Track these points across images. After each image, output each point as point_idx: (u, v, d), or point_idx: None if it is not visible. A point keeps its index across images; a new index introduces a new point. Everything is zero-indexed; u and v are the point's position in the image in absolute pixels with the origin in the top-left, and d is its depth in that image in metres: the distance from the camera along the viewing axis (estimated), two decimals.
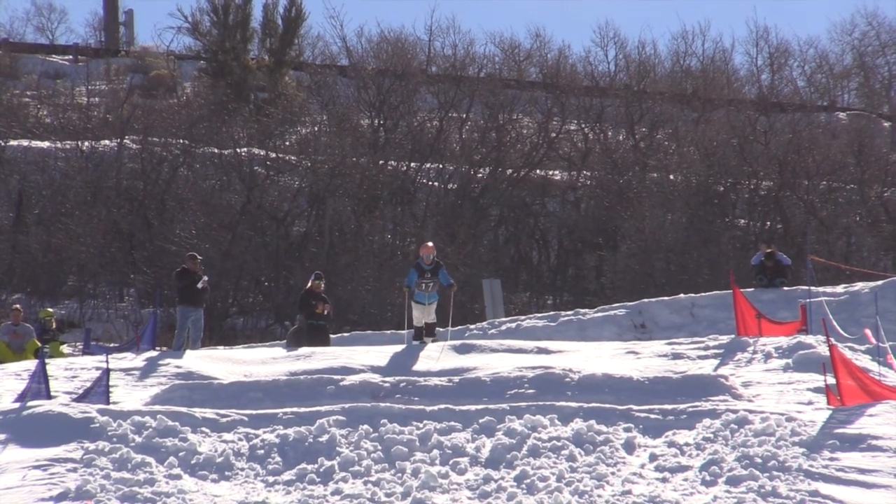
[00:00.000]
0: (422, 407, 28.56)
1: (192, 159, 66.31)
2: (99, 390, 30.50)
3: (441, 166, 68.42)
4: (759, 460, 26.33)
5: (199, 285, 37.62)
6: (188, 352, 36.09)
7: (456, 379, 31.18)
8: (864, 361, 32.19)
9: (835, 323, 33.81)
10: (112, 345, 41.46)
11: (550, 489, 25.76)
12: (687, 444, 27.13)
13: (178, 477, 26.29)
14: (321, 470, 26.58)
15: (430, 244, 36.44)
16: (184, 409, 28.47)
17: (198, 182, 65.76)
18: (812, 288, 43.25)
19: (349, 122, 69.60)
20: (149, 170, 65.70)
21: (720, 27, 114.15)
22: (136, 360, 34.74)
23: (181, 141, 66.45)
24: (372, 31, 76.79)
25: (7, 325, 39.51)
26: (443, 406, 28.56)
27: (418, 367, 33.43)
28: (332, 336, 39.91)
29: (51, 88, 74.47)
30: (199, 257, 38.82)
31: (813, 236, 60.44)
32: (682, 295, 46.61)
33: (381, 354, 34.88)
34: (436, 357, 34.64)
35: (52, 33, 79.83)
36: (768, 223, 65.62)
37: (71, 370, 33.94)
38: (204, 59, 75.97)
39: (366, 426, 27.65)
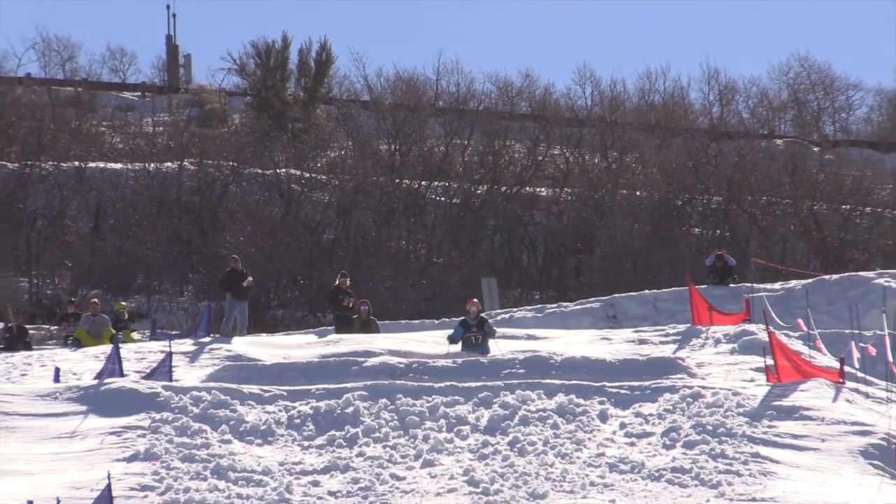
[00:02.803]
0: (431, 384, 28.62)
1: (239, 178, 66.27)
2: (163, 370, 30.56)
3: (447, 184, 68.37)
4: (710, 428, 26.38)
5: (245, 284, 37.67)
6: (236, 338, 36.09)
7: (459, 361, 31.25)
8: (797, 346, 32.24)
9: (773, 314, 33.85)
10: (174, 332, 41.47)
11: (538, 452, 25.82)
12: (651, 415, 27.18)
13: (228, 442, 26.36)
14: (347, 436, 26.63)
15: (475, 300, 34.65)
16: (233, 386, 28.54)
17: (244, 197, 65.75)
18: (754, 285, 43.26)
19: (370, 147, 69.52)
20: (204, 187, 65.69)
21: (678, 68, 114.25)
22: (193, 345, 34.81)
23: (231, 163, 66.42)
24: (389, 72, 76.36)
25: (87, 315, 39.50)
26: (448, 383, 28.61)
27: (428, 351, 33.47)
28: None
29: (122, 119, 74.39)
30: (237, 258, 38.97)
31: (755, 242, 60.36)
32: (646, 291, 46.57)
33: (397, 340, 34.86)
34: (441, 343, 34.65)
35: (123, 73, 79.74)
36: (718, 231, 65.61)
37: (140, 353, 33.99)
38: (249, 95, 75.87)
39: (384, 400, 27.70)
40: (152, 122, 74.14)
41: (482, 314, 34.01)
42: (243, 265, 38.78)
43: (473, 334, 33.06)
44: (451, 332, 33.91)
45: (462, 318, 34.00)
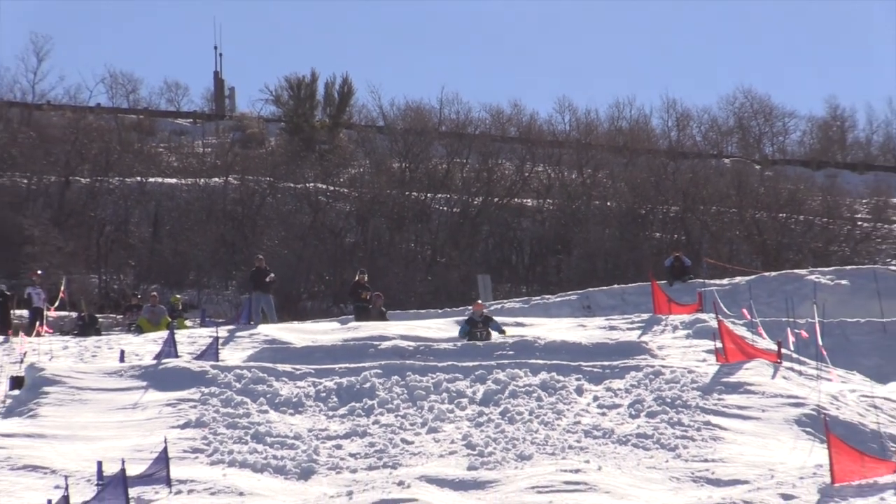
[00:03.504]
0: (435, 363, 28.62)
1: (275, 191, 66.29)
2: (211, 351, 30.60)
3: (448, 196, 68.39)
4: (669, 400, 26.38)
5: (267, 279, 37.76)
6: (270, 325, 36.07)
7: (458, 344, 31.24)
8: (741, 331, 32.24)
9: (722, 305, 33.88)
10: (220, 320, 41.45)
11: (524, 420, 25.82)
12: (619, 389, 27.17)
13: (266, 412, 26.36)
14: (365, 407, 26.63)
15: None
16: (270, 365, 28.53)
17: (279, 207, 65.75)
18: (706, 281, 43.30)
19: (384, 165, 69.59)
20: (245, 198, 65.70)
21: (642, 99, 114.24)
22: (236, 331, 34.83)
23: (267, 178, 66.45)
24: (400, 102, 76.42)
25: (147, 306, 39.50)
26: (449, 363, 28.60)
27: (432, 335, 33.47)
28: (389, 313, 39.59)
29: (177, 142, 74.43)
30: (262, 258, 39.13)
31: (706, 245, 60.42)
32: (616, 286, 46.55)
33: (407, 327, 34.89)
34: (445, 329, 34.65)
35: (178, 103, 79.66)
36: (675, 235, 65.57)
37: (191, 338, 34.02)
38: (283, 122, 75.91)
39: (396, 377, 27.69)
40: (202, 144, 74.18)
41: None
42: (267, 264, 38.90)
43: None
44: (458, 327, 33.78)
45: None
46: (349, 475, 23.77)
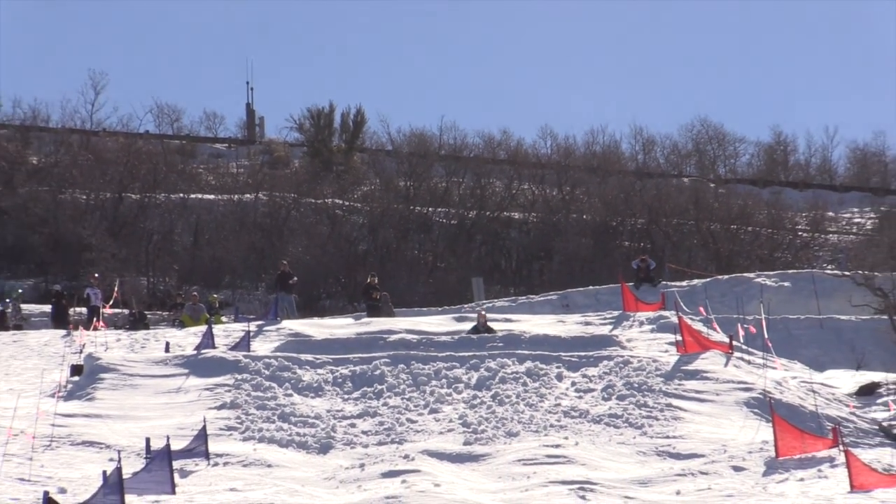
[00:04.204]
0: (435, 353, 28.56)
1: (298, 206, 66.17)
2: (244, 343, 30.58)
3: (447, 210, 68.31)
4: (636, 385, 26.36)
5: (290, 281, 37.79)
6: (293, 321, 35.98)
7: (456, 337, 31.20)
8: (698, 326, 32.22)
9: (681, 304, 33.84)
10: (251, 316, 41.36)
11: (512, 402, 25.82)
12: (593, 376, 27.14)
13: (290, 395, 26.34)
14: (375, 391, 26.61)
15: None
16: (294, 355, 28.50)
17: (302, 219, 65.60)
18: (668, 283, 43.29)
19: (392, 183, 69.44)
20: (272, 212, 65.57)
21: (613, 127, 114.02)
22: (265, 326, 34.79)
23: (292, 195, 66.32)
24: (405, 128, 76.26)
25: (189, 304, 39.43)
26: (448, 353, 28.54)
27: (433, 329, 33.42)
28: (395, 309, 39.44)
29: (214, 164, 74.30)
30: (285, 263, 39.21)
31: (669, 252, 60.31)
32: (591, 287, 46.51)
33: (412, 322, 34.82)
34: (444, 325, 34.61)
35: (215, 130, 79.45)
36: (642, 244, 65.46)
37: (226, 332, 33.96)
38: (305, 146, 75.76)
39: (402, 365, 27.65)
40: (236, 165, 74.02)
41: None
42: (291, 268, 38.94)
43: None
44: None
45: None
46: (362, 450, 23.77)
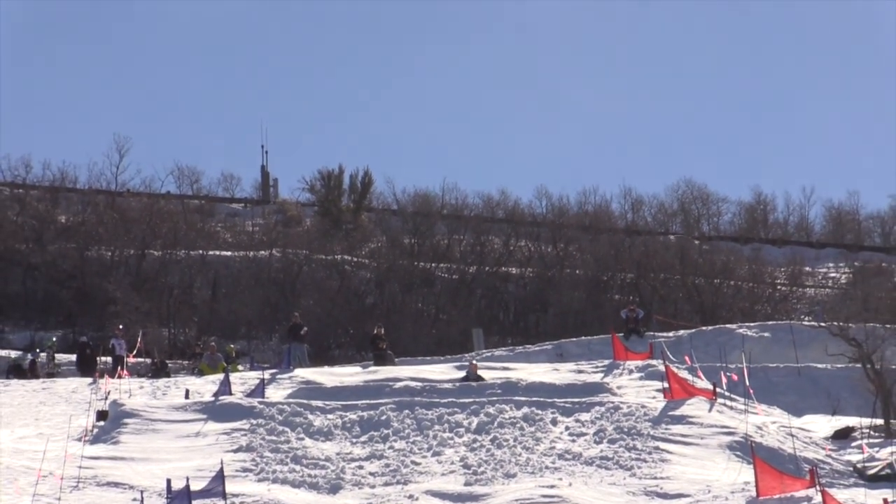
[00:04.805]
0: (438, 400, 28.58)
1: (310, 262, 66.29)
2: (259, 390, 30.52)
3: (449, 265, 68.40)
4: (626, 429, 26.37)
5: (302, 332, 37.86)
6: (305, 369, 35.93)
7: (457, 384, 31.22)
8: (684, 374, 32.23)
9: (668, 353, 33.85)
10: (266, 365, 41.32)
11: (510, 445, 25.83)
12: (586, 421, 27.15)
13: (302, 439, 26.35)
14: (382, 435, 26.62)
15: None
16: (305, 401, 28.51)
17: (313, 274, 65.70)
18: (655, 333, 43.27)
19: (397, 241, 69.58)
20: (286, 268, 65.69)
21: (604, 188, 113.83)
22: (278, 374, 34.78)
23: (304, 251, 66.46)
24: (410, 189, 76.39)
25: (207, 354, 39.43)
26: (450, 399, 28.57)
27: (436, 377, 33.42)
28: (397, 359, 39.39)
29: (231, 222, 74.47)
30: (297, 314, 39.28)
31: (656, 305, 60.34)
32: (583, 337, 46.39)
33: (416, 370, 34.80)
34: (446, 373, 34.58)
35: (232, 191, 79.64)
36: (631, 297, 65.47)
37: (242, 379, 33.90)
38: (316, 206, 75.96)
39: (407, 411, 27.66)
40: (251, 224, 74.21)
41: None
42: (302, 319, 39.03)
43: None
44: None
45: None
46: (369, 490, 23.77)
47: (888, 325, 36.37)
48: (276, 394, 31.08)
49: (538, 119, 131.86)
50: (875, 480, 24.33)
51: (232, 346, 45.06)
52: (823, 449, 26.53)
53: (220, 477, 22.60)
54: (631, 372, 34.24)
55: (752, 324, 45.76)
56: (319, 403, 28.19)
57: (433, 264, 68.31)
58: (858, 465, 25.27)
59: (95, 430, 27.06)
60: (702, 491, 22.83)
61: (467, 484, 23.84)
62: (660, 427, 26.39)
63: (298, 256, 66.45)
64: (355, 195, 76.04)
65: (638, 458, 24.75)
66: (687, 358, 34.43)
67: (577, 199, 78.90)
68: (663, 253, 69.95)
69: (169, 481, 22.62)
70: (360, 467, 24.90)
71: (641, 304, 60.93)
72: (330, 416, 27.49)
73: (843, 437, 28.11)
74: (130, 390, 32.16)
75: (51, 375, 39.85)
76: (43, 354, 43.28)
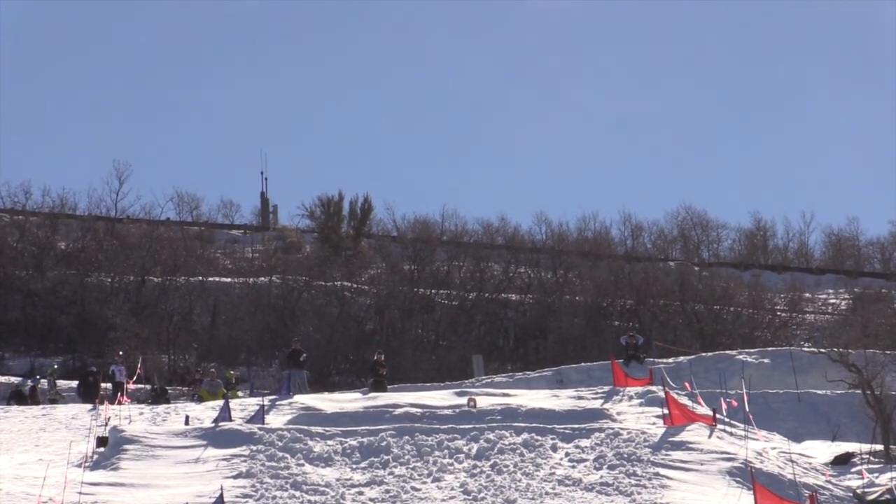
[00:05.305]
0: (438, 426, 28.56)
1: (309, 288, 66.28)
2: (259, 416, 30.45)
3: (449, 292, 68.39)
4: (625, 455, 26.39)
5: (301, 358, 37.85)
6: (305, 395, 35.86)
7: (457, 410, 31.20)
8: (684, 400, 32.23)
9: (668, 379, 33.88)
10: (265, 391, 41.29)
11: (510, 471, 25.84)
12: (586, 447, 27.15)
13: (302, 465, 26.35)
14: (382, 461, 26.63)
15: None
16: (305, 427, 28.48)
17: (313, 301, 65.64)
18: (655, 359, 43.32)
19: (397, 267, 69.53)
20: (285, 294, 65.68)
21: (604, 214, 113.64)
22: (278, 400, 34.75)
23: (303, 278, 66.47)
24: (409, 215, 76.42)
25: (207, 380, 39.42)
26: (450, 426, 28.55)
27: (436, 403, 33.39)
28: (390, 387, 39.32)
29: (231, 249, 74.43)
30: (297, 340, 39.31)
31: (656, 331, 60.33)
32: (583, 363, 46.43)
33: (416, 397, 34.78)
34: (446, 399, 34.56)
35: (232, 217, 79.65)
36: (631, 323, 65.47)
37: (242, 405, 33.85)
38: (316, 232, 75.93)
39: (406, 437, 27.65)
40: (251, 250, 74.20)
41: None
42: (302, 346, 39.04)
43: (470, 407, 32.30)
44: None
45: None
46: None
47: (888, 351, 36.43)
48: (275, 420, 31.05)
49: (537, 145, 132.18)
50: None
51: (232, 372, 45.00)
52: (823, 475, 26.55)
53: (220, 503, 22.61)
54: (631, 398, 34.24)
55: (751, 350, 45.80)
56: (319, 429, 28.17)
57: (433, 291, 68.29)
58: (858, 491, 25.29)
59: (95, 457, 27.07)
60: None
61: None
62: (660, 453, 26.40)
63: (298, 283, 66.45)
64: (355, 221, 76.04)
65: (638, 484, 24.77)
66: (687, 384, 34.44)
67: (577, 226, 78.86)
68: (663, 279, 69.94)
69: None
70: (360, 493, 24.91)
71: (641, 330, 60.95)
72: (330, 442, 27.48)
73: (842, 462, 28.15)
74: (130, 416, 32.14)
75: (53, 402, 39.87)
76: (44, 381, 43.27)
